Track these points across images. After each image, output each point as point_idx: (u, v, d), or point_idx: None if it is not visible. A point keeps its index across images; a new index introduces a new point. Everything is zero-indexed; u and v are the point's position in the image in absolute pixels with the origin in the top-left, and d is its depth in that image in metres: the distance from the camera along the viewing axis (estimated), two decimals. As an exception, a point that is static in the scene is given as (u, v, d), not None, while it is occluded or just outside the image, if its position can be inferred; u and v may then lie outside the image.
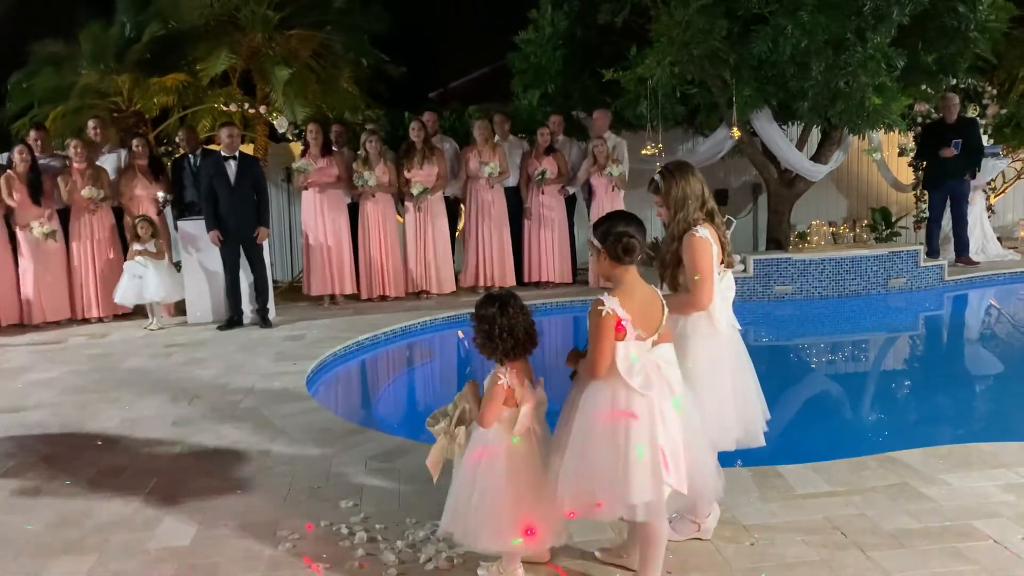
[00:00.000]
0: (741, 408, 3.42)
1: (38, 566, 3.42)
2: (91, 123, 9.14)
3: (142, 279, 8.11)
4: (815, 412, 6.07)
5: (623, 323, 2.90)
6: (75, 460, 4.66)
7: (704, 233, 3.32)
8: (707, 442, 3.08)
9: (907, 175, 11.40)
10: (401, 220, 9.42)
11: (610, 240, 2.98)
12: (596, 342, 2.90)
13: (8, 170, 8.37)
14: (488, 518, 3.00)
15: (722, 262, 3.40)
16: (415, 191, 9.06)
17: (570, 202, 9.91)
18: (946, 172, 10.13)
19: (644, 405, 2.89)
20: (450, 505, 3.11)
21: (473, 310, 3.12)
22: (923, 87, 10.00)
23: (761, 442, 3.48)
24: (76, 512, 3.93)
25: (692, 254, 3.31)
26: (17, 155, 8.35)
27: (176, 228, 8.77)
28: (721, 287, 3.39)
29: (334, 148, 9.24)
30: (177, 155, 9.63)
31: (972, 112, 10.70)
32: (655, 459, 2.86)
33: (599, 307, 2.90)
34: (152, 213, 8.65)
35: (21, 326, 8.48)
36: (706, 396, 3.27)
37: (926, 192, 10.71)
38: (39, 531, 3.75)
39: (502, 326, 3.00)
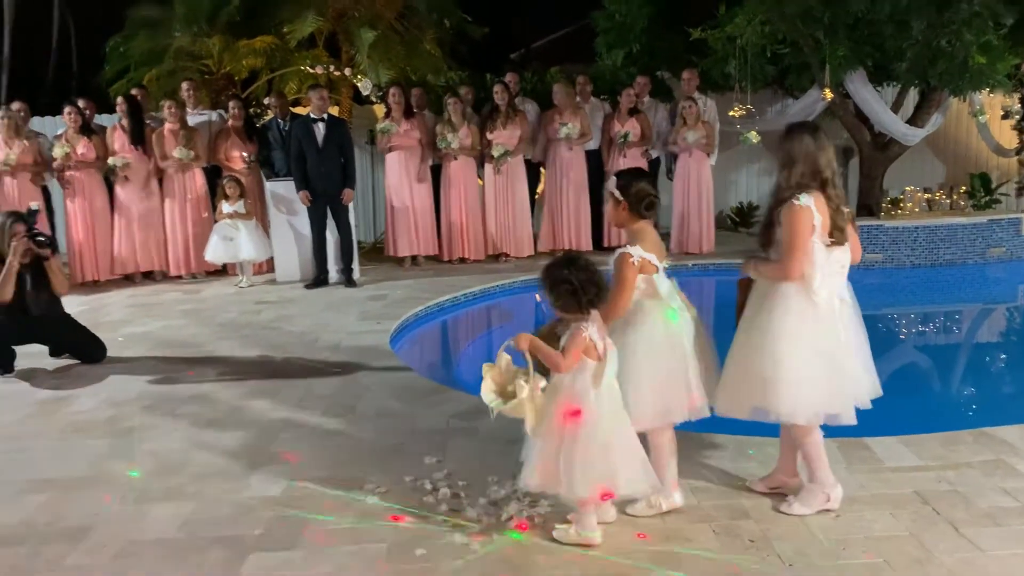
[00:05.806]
0: (834, 386, 3.24)
1: (141, 511, 3.61)
2: (184, 85, 9.38)
3: (233, 240, 8.37)
4: (904, 385, 5.88)
5: (651, 262, 3.27)
6: (174, 411, 4.87)
7: (807, 202, 3.19)
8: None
9: (1010, 139, 10.84)
10: (481, 183, 9.44)
11: (633, 195, 3.31)
12: (621, 287, 3.24)
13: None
14: (573, 469, 3.04)
15: (830, 235, 3.22)
16: (496, 153, 9.05)
17: (653, 165, 9.75)
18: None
19: (687, 327, 3.33)
20: (533, 456, 3.13)
21: (542, 281, 3.13)
22: (1033, 45, 9.46)
23: (851, 422, 3.29)
24: (175, 461, 4.12)
25: (787, 222, 3.20)
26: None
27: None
28: (828, 260, 3.21)
29: (415, 111, 9.29)
30: (266, 118, 9.82)
31: (1086, 72, 10.07)
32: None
33: (628, 258, 3.22)
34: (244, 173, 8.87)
35: (118, 280, 8.85)
36: (784, 363, 3.19)
37: (1031, 157, 10.19)
38: (141, 478, 3.95)
39: (580, 279, 3.04)
